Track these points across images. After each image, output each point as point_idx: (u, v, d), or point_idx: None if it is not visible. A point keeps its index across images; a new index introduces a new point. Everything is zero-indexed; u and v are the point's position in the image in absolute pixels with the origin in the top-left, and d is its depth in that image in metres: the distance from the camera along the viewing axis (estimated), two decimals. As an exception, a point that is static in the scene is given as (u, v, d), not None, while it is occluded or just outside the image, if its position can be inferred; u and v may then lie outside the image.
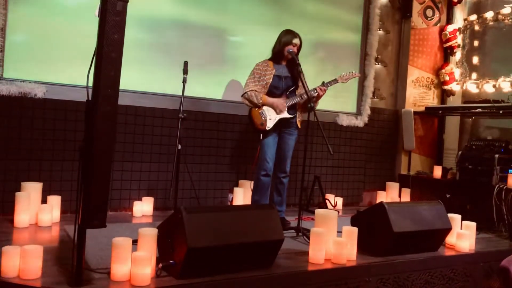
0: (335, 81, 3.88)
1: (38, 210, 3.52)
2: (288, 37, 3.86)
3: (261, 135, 3.84)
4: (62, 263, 2.59)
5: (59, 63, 3.93)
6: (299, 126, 3.95)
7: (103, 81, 2.18)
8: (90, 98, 2.23)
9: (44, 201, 3.65)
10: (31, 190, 3.54)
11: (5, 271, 2.32)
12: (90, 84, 2.24)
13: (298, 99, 3.82)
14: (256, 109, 3.83)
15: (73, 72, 3.90)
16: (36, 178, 3.78)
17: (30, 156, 3.81)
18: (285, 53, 3.84)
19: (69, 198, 3.88)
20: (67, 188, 3.93)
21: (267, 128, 3.81)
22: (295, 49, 3.83)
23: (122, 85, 2.30)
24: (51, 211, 3.56)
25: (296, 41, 3.85)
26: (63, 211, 3.79)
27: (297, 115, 3.91)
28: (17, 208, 3.40)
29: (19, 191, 3.51)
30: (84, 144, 2.23)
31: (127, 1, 2.22)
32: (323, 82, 3.85)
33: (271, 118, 3.81)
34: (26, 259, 2.31)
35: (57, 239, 3.21)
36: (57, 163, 3.92)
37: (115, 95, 2.23)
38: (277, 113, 3.80)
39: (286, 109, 3.81)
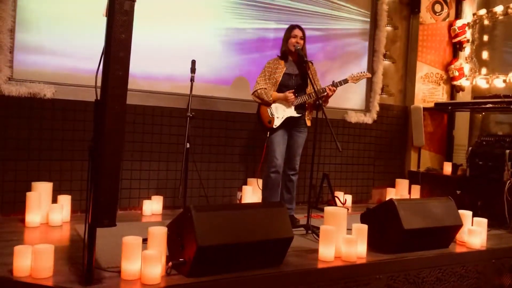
0: (345, 81, 3.85)
1: (48, 209, 3.54)
2: (288, 30, 3.88)
3: (268, 132, 3.84)
4: (73, 262, 2.61)
5: (68, 63, 3.95)
6: (309, 124, 3.94)
7: (111, 80, 2.19)
8: (98, 98, 2.24)
9: (54, 200, 3.67)
10: (41, 190, 3.57)
11: (17, 270, 2.34)
12: (99, 84, 2.25)
13: (307, 97, 3.81)
14: (265, 106, 3.83)
15: (82, 72, 3.92)
16: (46, 178, 3.81)
17: (40, 156, 3.84)
18: (290, 48, 3.83)
19: (79, 197, 3.91)
20: (77, 187, 3.96)
21: (274, 126, 3.80)
22: (299, 42, 3.81)
23: (130, 85, 2.31)
24: (62, 211, 3.58)
25: (296, 32, 3.83)
26: (73, 211, 3.82)
27: (306, 113, 3.90)
28: (28, 208, 3.43)
29: (30, 191, 3.54)
30: (93, 143, 2.24)
31: (135, 1, 2.22)
32: (333, 81, 3.82)
33: (278, 116, 3.81)
34: (37, 258, 2.33)
35: (68, 239, 3.24)
36: (67, 163, 3.95)
37: (123, 95, 2.24)
38: (288, 106, 3.79)
39: (297, 102, 3.79)
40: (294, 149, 3.90)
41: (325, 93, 3.76)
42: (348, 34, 5.43)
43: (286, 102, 3.79)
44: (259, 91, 3.82)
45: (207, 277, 2.44)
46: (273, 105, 3.82)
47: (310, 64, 3.89)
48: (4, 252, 2.69)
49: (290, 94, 3.75)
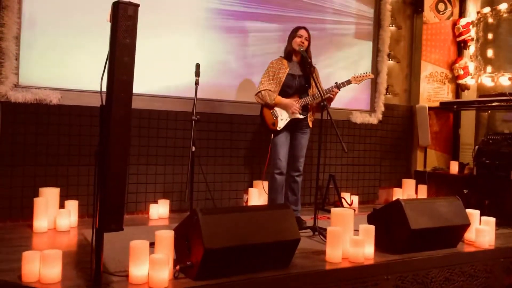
0: (348, 82, 3.84)
1: (56, 215, 3.56)
2: (294, 31, 3.91)
3: (272, 134, 3.84)
4: (81, 267, 2.62)
5: (73, 69, 3.98)
6: (311, 126, 3.94)
7: (116, 85, 2.20)
8: (104, 103, 2.25)
9: (61, 206, 3.69)
10: (49, 196, 3.58)
11: (26, 276, 2.35)
12: (104, 89, 2.26)
13: (311, 99, 3.81)
14: (268, 108, 3.84)
15: (87, 78, 3.95)
16: (53, 184, 3.83)
17: (47, 162, 3.86)
18: (294, 47, 3.84)
19: (86, 202, 3.93)
20: (84, 192, 3.98)
21: (278, 128, 3.80)
22: (304, 43, 3.82)
23: (135, 89, 2.32)
24: (69, 216, 3.60)
25: (301, 32, 3.85)
26: (81, 216, 3.83)
27: (308, 114, 3.90)
28: (35, 213, 3.45)
29: (37, 196, 3.56)
30: (100, 148, 2.25)
31: (138, 6, 2.24)
32: (336, 82, 3.82)
33: (282, 118, 3.81)
34: (46, 263, 2.34)
35: (76, 243, 3.25)
36: (74, 168, 3.96)
37: (128, 99, 2.25)
38: (290, 115, 3.79)
39: (300, 104, 3.80)
40: (298, 151, 3.89)
41: (328, 95, 3.76)
42: (351, 34, 5.42)
43: (287, 110, 3.79)
44: (263, 92, 3.83)
45: (215, 280, 2.44)
46: (276, 107, 3.83)
47: (313, 69, 3.88)
48: (12, 258, 2.71)
49: (296, 107, 3.75)
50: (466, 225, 3.41)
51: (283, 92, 3.83)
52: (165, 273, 2.35)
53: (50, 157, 3.87)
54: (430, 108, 5.68)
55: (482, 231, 3.48)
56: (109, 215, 2.21)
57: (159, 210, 4.17)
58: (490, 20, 5.77)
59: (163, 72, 4.35)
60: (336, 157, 5.28)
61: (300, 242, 2.75)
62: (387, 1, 5.47)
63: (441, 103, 5.80)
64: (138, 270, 2.37)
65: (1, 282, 2.32)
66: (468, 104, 5.63)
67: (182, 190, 4.35)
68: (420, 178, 5.54)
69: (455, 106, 5.76)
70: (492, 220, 3.60)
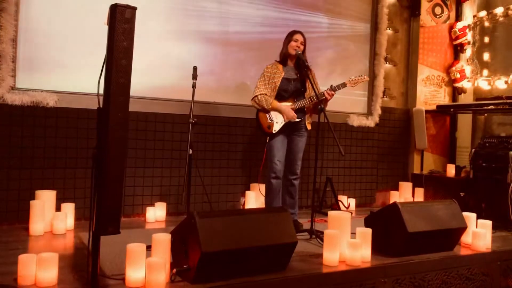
0: (343, 85, 3.85)
1: (52, 218, 3.55)
2: (289, 35, 3.90)
3: (268, 138, 3.84)
4: (78, 270, 2.61)
5: (70, 72, 3.97)
6: (309, 128, 3.95)
7: (113, 88, 2.20)
8: (101, 106, 2.25)
9: (58, 208, 3.68)
10: (45, 198, 3.57)
11: (22, 279, 2.34)
12: (101, 91, 2.26)
13: (307, 101, 3.81)
14: (264, 112, 3.84)
15: (84, 80, 3.94)
16: (50, 186, 3.81)
17: (44, 165, 3.85)
18: (290, 51, 3.84)
19: (82, 205, 3.91)
20: (81, 195, 3.97)
21: (273, 132, 3.80)
22: (300, 47, 3.83)
23: (133, 92, 2.32)
24: (66, 219, 3.58)
25: (297, 36, 3.85)
26: (77, 218, 3.82)
27: (306, 117, 3.91)
28: (32, 216, 3.43)
29: (34, 199, 3.55)
30: (97, 151, 2.24)
31: (136, 9, 2.24)
32: (331, 85, 3.83)
33: (278, 121, 3.81)
34: (42, 267, 2.33)
35: (72, 247, 3.24)
36: (70, 171, 3.95)
37: (126, 102, 2.25)
38: (285, 120, 3.80)
39: (296, 106, 3.80)
40: (294, 154, 3.90)
41: (324, 97, 3.77)
42: (348, 38, 5.44)
43: (283, 115, 3.80)
44: (259, 97, 3.83)
45: (212, 283, 2.43)
46: (272, 111, 3.83)
47: (309, 71, 3.89)
48: (8, 261, 2.69)
49: (291, 115, 3.76)
50: (462, 228, 3.42)
51: (279, 96, 3.84)
52: (161, 276, 2.35)
53: (46, 159, 3.86)
54: (427, 111, 5.70)
55: (478, 234, 3.48)
56: (106, 218, 2.20)
57: (156, 213, 4.16)
58: (486, 23, 5.79)
59: (160, 74, 4.36)
60: (333, 160, 5.28)
61: (297, 245, 2.75)
62: (384, 4, 5.50)
63: (437, 106, 5.82)
64: (135, 273, 2.37)
65: (-3, 285, 2.32)
66: (465, 107, 5.65)
67: (179, 193, 4.34)
68: (417, 181, 5.55)
69: (451, 109, 5.78)
70: (489, 223, 3.61)
